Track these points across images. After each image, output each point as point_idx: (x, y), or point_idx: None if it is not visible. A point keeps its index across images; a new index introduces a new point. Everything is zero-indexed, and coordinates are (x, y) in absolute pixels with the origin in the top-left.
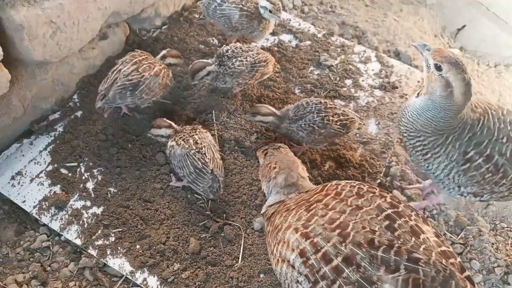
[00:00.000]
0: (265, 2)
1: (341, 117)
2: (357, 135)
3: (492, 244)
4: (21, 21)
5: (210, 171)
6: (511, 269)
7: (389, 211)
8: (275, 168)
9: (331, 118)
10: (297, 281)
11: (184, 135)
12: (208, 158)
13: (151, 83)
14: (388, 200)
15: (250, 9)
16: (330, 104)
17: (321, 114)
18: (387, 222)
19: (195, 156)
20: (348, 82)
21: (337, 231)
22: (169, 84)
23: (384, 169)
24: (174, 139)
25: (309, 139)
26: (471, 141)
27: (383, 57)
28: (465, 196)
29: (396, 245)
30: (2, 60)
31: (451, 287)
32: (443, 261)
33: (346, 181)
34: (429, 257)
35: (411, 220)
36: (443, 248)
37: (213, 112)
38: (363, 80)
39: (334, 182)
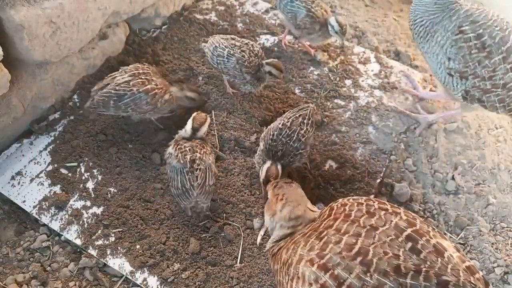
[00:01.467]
0: (334, 22)
1: (303, 120)
2: (357, 135)
3: (492, 244)
4: (21, 21)
5: (194, 196)
6: (511, 269)
7: (409, 230)
8: (281, 200)
9: (301, 132)
10: None
11: (185, 148)
12: (198, 183)
13: (137, 99)
14: (404, 217)
15: (316, 13)
16: (287, 120)
17: (294, 138)
18: (410, 244)
19: (186, 175)
20: (348, 82)
21: (359, 259)
22: (158, 107)
23: (384, 169)
24: (175, 147)
25: (301, 160)
26: (467, 18)
27: (382, 58)
28: (453, 76)
29: (424, 269)
30: (2, 60)
31: None
32: (471, 278)
33: (353, 198)
34: (457, 277)
35: (432, 238)
36: (467, 263)
37: (213, 112)
38: (362, 80)
39: (340, 203)
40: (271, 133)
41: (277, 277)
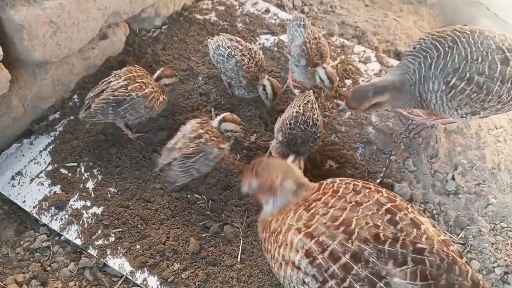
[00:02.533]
0: (324, 77)
1: (312, 105)
2: (357, 135)
3: (492, 244)
4: (21, 21)
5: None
6: (511, 269)
7: (388, 205)
8: (277, 177)
9: (314, 116)
10: (304, 282)
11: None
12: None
13: (136, 104)
14: (385, 194)
15: (309, 51)
16: (304, 106)
17: (310, 124)
18: (388, 216)
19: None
20: (348, 82)
21: (342, 228)
22: (156, 109)
23: (384, 169)
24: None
25: (319, 144)
26: (448, 70)
27: (383, 57)
28: (466, 117)
29: (401, 237)
30: (2, 60)
31: (455, 272)
32: (445, 248)
33: (340, 178)
34: (432, 246)
35: (410, 213)
36: (442, 237)
37: (212, 109)
38: (363, 80)
39: (329, 181)
40: (287, 122)
41: (264, 244)
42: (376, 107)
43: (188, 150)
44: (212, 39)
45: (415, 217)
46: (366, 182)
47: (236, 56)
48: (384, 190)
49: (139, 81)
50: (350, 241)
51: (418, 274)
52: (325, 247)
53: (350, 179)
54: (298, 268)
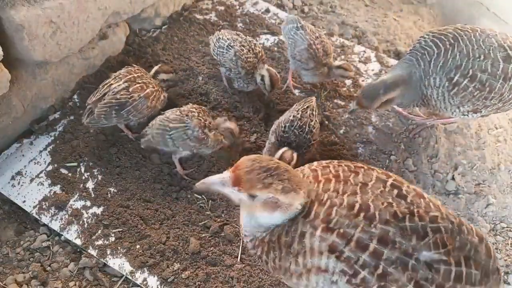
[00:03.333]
0: (339, 71)
1: (311, 111)
2: (357, 135)
3: (492, 244)
4: (21, 21)
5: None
6: (511, 269)
7: (390, 180)
8: (282, 190)
9: (311, 123)
10: (332, 282)
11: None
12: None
13: (138, 104)
14: (379, 170)
15: (316, 52)
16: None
17: (306, 130)
18: (396, 191)
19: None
20: (348, 82)
21: (362, 214)
22: (158, 107)
23: (384, 169)
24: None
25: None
26: (449, 67)
27: (383, 57)
28: (468, 115)
29: (415, 210)
30: (2, 60)
31: (464, 232)
32: (449, 211)
33: (324, 162)
34: (441, 212)
35: (408, 185)
36: (439, 202)
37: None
38: (363, 80)
39: (320, 165)
40: (283, 125)
41: (270, 263)
42: (388, 104)
43: (172, 115)
44: (213, 35)
45: (415, 189)
46: (355, 162)
47: (235, 47)
48: (373, 167)
49: (139, 81)
50: (372, 225)
51: (439, 242)
52: (349, 237)
53: (335, 161)
54: (325, 271)
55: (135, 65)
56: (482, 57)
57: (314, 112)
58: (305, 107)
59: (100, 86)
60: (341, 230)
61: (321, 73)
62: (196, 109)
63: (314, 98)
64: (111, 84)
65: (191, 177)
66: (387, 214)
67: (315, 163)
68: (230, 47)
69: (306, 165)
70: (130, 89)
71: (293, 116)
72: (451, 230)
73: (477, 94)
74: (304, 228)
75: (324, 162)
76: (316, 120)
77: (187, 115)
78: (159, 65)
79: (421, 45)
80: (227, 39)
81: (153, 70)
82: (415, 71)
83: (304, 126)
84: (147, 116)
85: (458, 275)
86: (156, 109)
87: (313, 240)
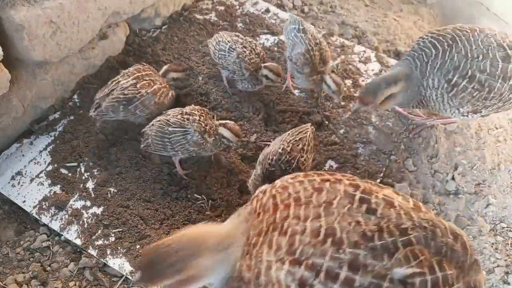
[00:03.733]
0: (331, 82)
1: (303, 146)
2: (357, 135)
3: (492, 244)
4: (21, 21)
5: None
6: (511, 269)
7: (358, 193)
8: (173, 273)
9: (301, 160)
10: None
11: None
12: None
13: (146, 100)
14: (346, 182)
15: (312, 59)
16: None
17: (293, 166)
18: (364, 206)
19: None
20: (348, 82)
21: (329, 240)
22: (165, 104)
23: (384, 169)
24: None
25: None
26: (447, 68)
27: (383, 57)
28: (468, 116)
29: (385, 225)
30: (2, 60)
31: (439, 235)
32: (422, 215)
33: (289, 177)
34: (412, 220)
35: (378, 192)
36: (411, 202)
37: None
38: (363, 80)
39: (278, 187)
40: (270, 157)
41: None
42: (391, 100)
43: (172, 119)
44: (211, 38)
45: (384, 195)
46: (320, 173)
47: (237, 49)
48: (341, 175)
49: (147, 78)
50: (341, 251)
51: (409, 256)
52: (319, 268)
53: (302, 174)
54: None
55: (144, 64)
56: (480, 57)
57: (306, 147)
58: (297, 139)
59: (109, 83)
60: (310, 261)
61: (313, 80)
62: (198, 112)
63: (309, 128)
64: (120, 81)
65: (191, 177)
66: (355, 236)
67: (278, 182)
68: (232, 50)
69: (270, 186)
70: (138, 85)
71: (282, 149)
72: (423, 238)
73: (476, 94)
74: (269, 257)
75: (286, 181)
76: (307, 156)
77: (188, 119)
78: (169, 64)
79: (419, 46)
80: (228, 41)
81: (162, 69)
82: (414, 70)
83: (292, 161)
84: (155, 113)
85: (434, 282)
86: (164, 106)
87: (279, 273)
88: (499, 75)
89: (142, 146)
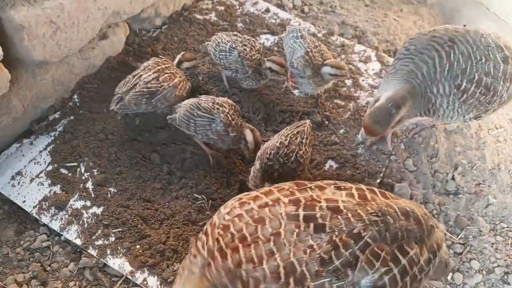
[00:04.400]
0: (333, 70)
1: (301, 139)
2: (357, 135)
3: (492, 244)
4: (21, 21)
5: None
6: (511, 269)
7: (300, 211)
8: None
9: (299, 152)
10: None
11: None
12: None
13: (168, 93)
14: (285, 200)
15: (313, 59)
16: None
17: (292, 159)
18: (311, 225)
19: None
20: (348, 82)
21: (292, 280)
22: (184, 95)
23: (384, 169)
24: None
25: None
26: (456, 72)
27: (384, 57)
28: (469, 121)
29: (337, 239)
30: (2, 60)
31: (390, 221)
32: (369, 208)
33: (225, 212)
34: (362, 219)
35: (319, 198)
36: (356, 195)
37: None
38: (363, 80)
39: (219, 230)
40: (268, 152)
41: None
42: (401, 122)
43: (204, 103)
44: (209, 41)
45: (328, 201)
46: (254, 196)
47: (237, 48)
48: (276, 192)
49: (167, 72)
50: (306, 284)
51: (371, 258)
52: None
53: (237, 202)
54: None
55: (162, 56)
56: (483, 59)
57: (304, 140)
58: (295, 132)
59: (130, 77)
60: None
61: (315, 82)
62: (228, 105)
63: (308, 123)
64: (141, 75)
65: (216, 158)
66: (314, 265)
67: (215, 219)
68: (233, 49)
69: (209, 225)
70: (160, 79)
71: (280, 143)
72: (378, 233)
73: (482, 99)
74: None
75: (223, 217)
76: (306, 149)
77: (217, 109)
78: (182, 53)
79: (416, 48)
80: (227, 41)
81: (176, 59)
82: (419, 82)
83: (290, 155)
84: (174, 105)
85: (403, 271)
86: (183, 98)
87: None
88: (501, 77)
89: (168, 117)
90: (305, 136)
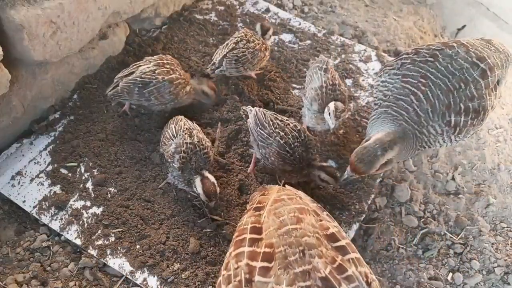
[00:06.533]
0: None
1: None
2: (357, 135)
3: (492, 244)
4: (21, 21)
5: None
6: (511, 269)
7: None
8: None
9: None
10: None
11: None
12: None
13: (161, 87)
14: (245, 261)
15: (323, 96)
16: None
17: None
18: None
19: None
20: (348, 82)
21: None
22: (180, 96)
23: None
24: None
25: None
26: (440, 110)
27: (384, 56)
28: (463, 140)
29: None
30: (2, 60)
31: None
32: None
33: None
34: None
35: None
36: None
37: (219, 123)
38: (363, 80)
39: None
40: (283, 152)
41: None
42: (388, 165)
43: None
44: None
45: (339, 266)
46: (226, 265)
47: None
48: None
49: (167, 67)
50: None
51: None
52: None
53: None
54: None
55: (168, 55)
56: (463, 86)
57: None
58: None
59: (131, 65)
60: None
61: (316, 118)
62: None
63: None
64: (141, 65)
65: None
66: None
67: None
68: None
69: None
70: (157, 71)
71: (281, 138)
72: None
73: (476, 122)
74: None
75: None
76: (291, 124)
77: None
78: (207, 79)
79: (388, 99)
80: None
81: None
82: (405, 125)
83: (294, 134)
84: (169, 105)
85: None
86: (180, 99)
87: None
88: (485, 92)
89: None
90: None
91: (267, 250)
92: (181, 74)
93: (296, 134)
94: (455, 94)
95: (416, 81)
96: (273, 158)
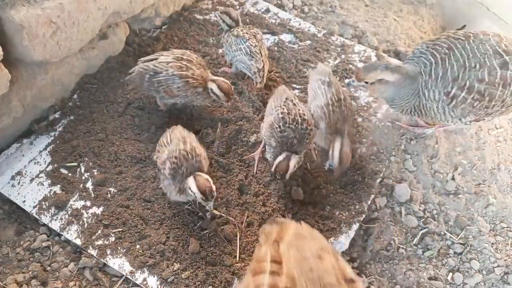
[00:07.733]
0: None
1: (292, 101)
2: (357, 135)
3: (492, 244)
4: (21, 21)
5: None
6: (511, 269)
7: None
8: None
9: (299, 112)
10: None
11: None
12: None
13: (169, 80)
14: None
15: (330, 114)
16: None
17: (299, 121)
18: None
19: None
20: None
21: None
22: (188, 95)
23: (384, 169)
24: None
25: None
26: (447, 79)
27: (384, 57)
28: (471, 124)
29: None
30: (2, 60)
31: None
32: None
33: None
34: None
35: None
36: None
37: (219, 124)
38: None
39: None
40: (276, 126)
41: None
42: (381, 87)
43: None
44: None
45: None
46: None
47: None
48: None
49: (184, 63)
50: None
51: None
52: None
53: None
54: None
55: (194, 53)
56: (478, 66)
57: (295, 101)
58: (283, 99)
59: (155, 53)
60: None
61: (325, 139)
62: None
63: (283, 87)
64: (163, 54)
65: None
66: None
67: None
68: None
69: None
70: (170, 64)
71: (281, 113)
72: None
73: (477, 104)
74: None
75: None
76: (301, 107)
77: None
78: (223, 79)
79: (416, 55)
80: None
81: (212, 77)
82: (419, 76)
83: (296, 118)
84: (179, 102)
85: None
86: (191, 98)
87: None
88: (498, 82)
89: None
90: (292, 98)
91: (289, 283)
92: (195, 74)
93: (298, 120)
94: (467, 71)
95: (441, 48)
96: (265, 130)
